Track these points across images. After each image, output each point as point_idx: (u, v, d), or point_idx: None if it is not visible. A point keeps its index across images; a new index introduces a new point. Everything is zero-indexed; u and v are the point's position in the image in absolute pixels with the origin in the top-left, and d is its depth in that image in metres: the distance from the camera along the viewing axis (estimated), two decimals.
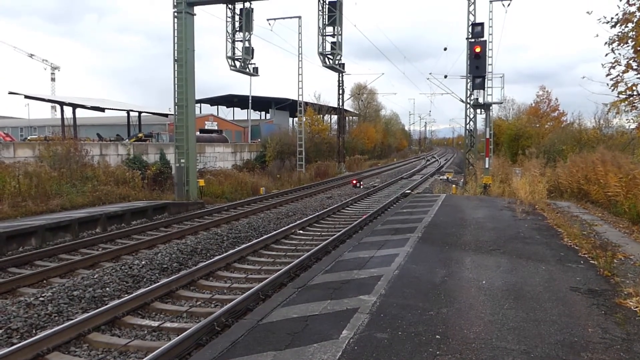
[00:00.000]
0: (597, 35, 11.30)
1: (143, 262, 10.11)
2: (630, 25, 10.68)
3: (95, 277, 9.08)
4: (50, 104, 59.53)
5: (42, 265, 10.76)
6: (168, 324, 7.24)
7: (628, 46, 10.86)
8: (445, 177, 32.91)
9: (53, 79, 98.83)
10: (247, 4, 20.50)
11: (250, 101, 51.03)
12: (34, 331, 6.90)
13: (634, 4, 10.58)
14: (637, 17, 10.45)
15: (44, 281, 9.61)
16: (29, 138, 39.45)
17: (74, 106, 32.22)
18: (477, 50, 18.84)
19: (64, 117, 32.63)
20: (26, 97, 32.56)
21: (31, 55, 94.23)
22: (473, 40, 19.82)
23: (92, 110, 34.60)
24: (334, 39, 19.54)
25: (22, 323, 7.00)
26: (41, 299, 7.86)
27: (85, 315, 7.06)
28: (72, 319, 7.13)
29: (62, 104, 32.41)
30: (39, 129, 54.14)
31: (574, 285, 6.95)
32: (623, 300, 6.24)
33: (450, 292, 6.59)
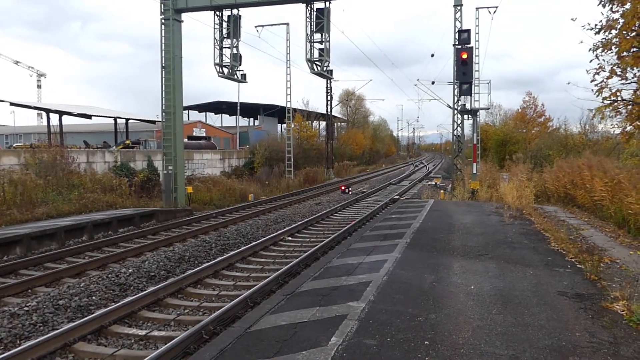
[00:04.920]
0: (582, 42, 11.47)
1: (130, 270, 10.01)
2: (613, 31, 10.85)
3: (81, 285, 8.97)
4: (36, 111, 59.03)
5: (27, 275, 10.62)
6: (155, 333, 7.17)
7: (612, 52, 11.03)
8: (433, 183, 33.03)
9: (39, 86, 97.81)
10: (234, 11, 20.50)
11: (238, 108, 50.93)
12: (18, 341, 6.80)
13: (617, 11, 10.75)
14: (621, 23, 10.61)
15: (29, 290, 9.47)
16: (14, 145, 39.06)
17: (61, 113, 31.93)
18: (464, 56, 18.98)
19: (50, 124, 32.33)
20: (12, 104, 32.18)
21: (17, 63, 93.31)
22: (460, 46, 19.98)
23: (79, 118, 34.27)
24: (322, 46, 19.57)
25: (6, 333, 6.90)
26: (26, 308, 7.75)
27: (71, 324, 6.97)
28: (57, 329, 7.03)
29: (48, 111, 32.12)
30: (24, 137, 53.62)
31: (562, 289, 6.98)
32: (610, 304, 6.28)
33: (438, 297, 6.59)
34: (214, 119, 71.72)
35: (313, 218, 17.17)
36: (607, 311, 6.07)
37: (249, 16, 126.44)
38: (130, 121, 39.65)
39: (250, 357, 4.81)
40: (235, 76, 21.50)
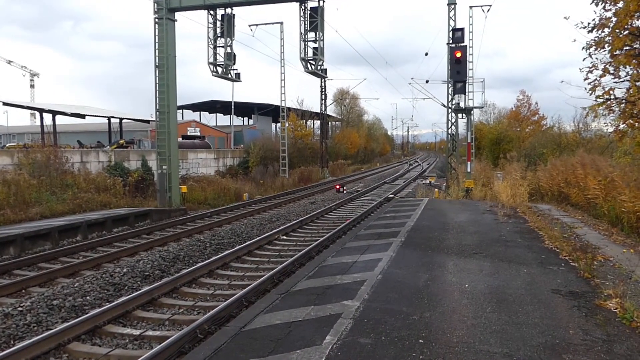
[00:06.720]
0: (575, 40, 11.50)
1: (124, 270, 9.98)
2: (606, 30, 10.89)
3: (75, 285, 8.94)
4: (29, 111, 58.71)
5: (21, 275, 10.57)
6: (150, 332, 7.15)
7: (605, 51, 11.07)
8: (428, 181, 33.09)
9: (32, 86, 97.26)
10: (228, 10, 20.47)
11: (232, 107, 50.84)
12: (12, 342, 6.77)
13: (610, 10, 10.79)
14: (613, 22, 10.65)
15: (23, 291, 9.43)
16: (7, 145, 38.77)
17: (54, 113, 31.77)
18: (458, 55, 19.01)
19: (44, 124, 32.17)
20: (5, 104, 32.00)
21: (9, 62, 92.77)
22: (454, 45, 20.02)
23: (72, 117, 34.07)
24: (316, 45, 19.56)
25: (0, 334, 6.85)
26: (20, 308, 7.71)
27: (65, 324, 6.94)
28: (51, 329, 7.00)
29: (41, 110, 31.96)
30: (18, 137, 53.30)
31: (555, 287, 7.01)
32: (603, 301, 6.31)
33: (433, 296, 6.60)
34: (208, 118, 71.59)
35: (308, 217, 17.16)
36: (600, 309, 6.10)
37: (242, 15, 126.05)
38: (124, 121, 39.51)
39: (245, 356, 4.81)
40: (230, 75, 21.48)
